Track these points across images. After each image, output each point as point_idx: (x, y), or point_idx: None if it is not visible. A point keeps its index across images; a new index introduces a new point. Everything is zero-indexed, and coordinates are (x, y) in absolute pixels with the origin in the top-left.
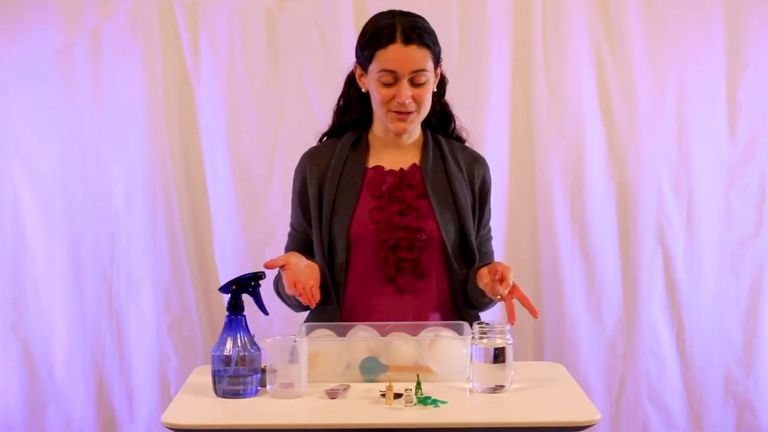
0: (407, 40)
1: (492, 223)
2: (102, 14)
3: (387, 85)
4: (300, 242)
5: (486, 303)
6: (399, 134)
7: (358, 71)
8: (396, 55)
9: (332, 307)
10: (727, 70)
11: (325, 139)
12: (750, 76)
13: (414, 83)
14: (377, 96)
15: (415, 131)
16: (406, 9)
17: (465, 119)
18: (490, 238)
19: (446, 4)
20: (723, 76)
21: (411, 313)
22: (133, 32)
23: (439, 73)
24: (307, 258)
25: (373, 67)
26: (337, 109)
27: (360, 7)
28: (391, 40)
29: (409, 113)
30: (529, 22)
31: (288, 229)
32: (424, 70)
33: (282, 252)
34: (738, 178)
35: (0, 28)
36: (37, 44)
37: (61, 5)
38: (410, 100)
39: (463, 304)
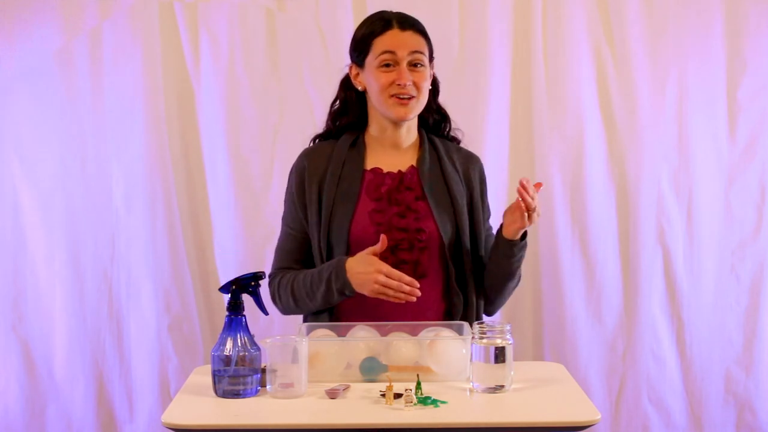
0: (403, 27)
1: (492, 221)
2: (102, 14)
3: (387, 68)
4: (298, 242)
5: (511, 269)
6: (400, 120)
7: (354, 71)
8: (393, 39)
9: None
10: (727, 70)
11: (317, 141)
12: (750, 76)
13: (413, 67)
14: (376, 84)
15: (412, 132)
16: (406, 9)
17: (465, 119)
18: (491, 235)
19: (446, 4)
20: (723, 76)
21: (410, 313)
22: (133, 32)
23: (432, 72)
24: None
25: (371, 56)
26: (332, 112)
27: (360, 7)
28: (387, 27)
29: (410, 98)
30: (529, 22)
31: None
32: (421, 53)
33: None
34: (738, 178)
35: (0, 28)
36: (37, 44)
37: (61, 5)
38: (410, 83)
39: (464, 301)
